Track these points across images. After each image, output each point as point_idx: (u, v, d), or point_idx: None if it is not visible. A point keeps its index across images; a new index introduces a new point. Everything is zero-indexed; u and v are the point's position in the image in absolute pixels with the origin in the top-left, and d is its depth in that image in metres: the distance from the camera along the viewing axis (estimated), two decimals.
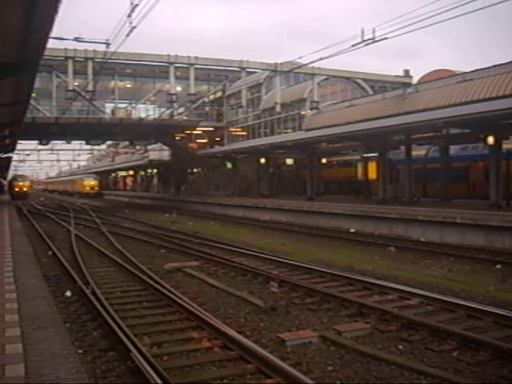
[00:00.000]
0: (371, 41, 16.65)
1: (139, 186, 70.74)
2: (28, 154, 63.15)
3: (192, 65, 34.26)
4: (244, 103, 37.31)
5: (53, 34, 8.48)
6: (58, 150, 61.66)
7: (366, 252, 15.40)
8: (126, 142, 54.45)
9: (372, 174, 28.61)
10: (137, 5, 13.71)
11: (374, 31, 16.55)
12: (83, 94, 32.12)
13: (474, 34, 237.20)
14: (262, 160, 34.15)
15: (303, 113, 35.25)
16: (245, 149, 35.01)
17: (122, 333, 6.60)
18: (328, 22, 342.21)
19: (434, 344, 6.64)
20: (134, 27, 15.09)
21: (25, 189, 56.62)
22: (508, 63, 21.69)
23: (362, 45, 16.87)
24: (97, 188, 65.14)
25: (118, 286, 10.34)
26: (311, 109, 34.24)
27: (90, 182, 65.12)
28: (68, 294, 9.49)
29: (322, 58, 18.90)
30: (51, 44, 13.62)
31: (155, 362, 5.58)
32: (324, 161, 33.53)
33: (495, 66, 22.49)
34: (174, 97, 34.32)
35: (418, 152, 27.16)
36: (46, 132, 36.09)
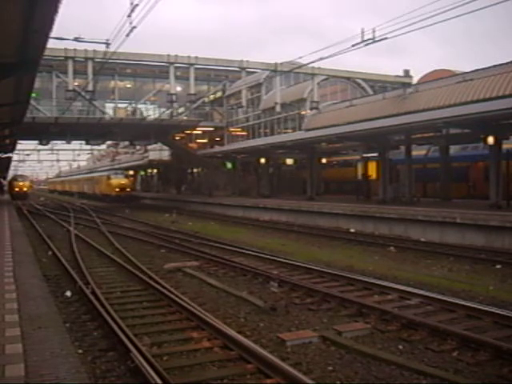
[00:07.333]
0: (371, 41, 16.68)
1: (139, 185, 70.66)
2: (28, 154, 63.29)
3: (192, 65, 34.32)
4: (244, 103, 37.34)
5: (53, 33, 8.45)
6: (58, 150, 61.83)
7: (365, 252, 15.38)
8: (126, 142, 54.43)
9: (372, 174, 28.66)
10: (137, 5, 13.75)
11: (374, 31, 16.60)
12: (83, 94, 32.15)
13: (465, 27, 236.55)
14: (262, 160, 34.16)
15: (303, 113, 35.25)
16: (245, 149, 35.01)
17: (122, 333, 6.60)
18: (305, 18, 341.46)
19: (434, 344, 6.64)
20: (134, 27, 15.14)
21: (25, 189, 56.61)
22: (508, 63, 21.72)
23: (361, 45, 16.91)
24: (128, 189, 49.40)
25: (117, 286, 10.34)
26: (311, 109, 34.25)
27: (121, 181, 48.00)
28: (68, 293, 9.49)
29: (322, 58, 18.94)
30: (51, 44, 13.56)
31: (155, 362, 5.58)
32: (324, 161, 33.53)
33: (495, 66, 22.52)
34: (173, 97, 34.36)
35: (417, 152, 27.15)
36: (46, 132, 36.10)
